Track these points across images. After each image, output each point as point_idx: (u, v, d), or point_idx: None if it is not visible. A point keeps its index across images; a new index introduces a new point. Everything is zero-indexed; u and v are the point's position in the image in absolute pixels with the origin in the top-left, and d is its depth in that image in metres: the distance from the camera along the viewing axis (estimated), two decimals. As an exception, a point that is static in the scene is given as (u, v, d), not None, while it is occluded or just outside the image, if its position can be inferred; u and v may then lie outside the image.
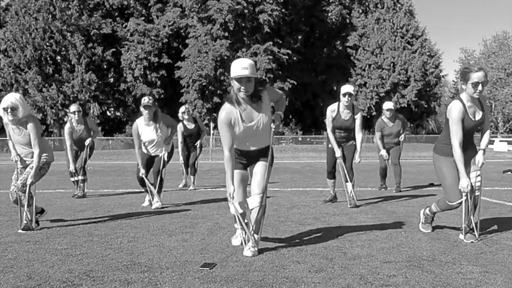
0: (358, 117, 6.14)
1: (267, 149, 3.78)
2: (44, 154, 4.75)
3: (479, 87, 3.80)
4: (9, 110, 4.54)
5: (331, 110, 6.15)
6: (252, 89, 3.55)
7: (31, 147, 4.72)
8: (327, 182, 6.57)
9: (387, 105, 8.06)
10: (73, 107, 7.49)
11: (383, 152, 7.91)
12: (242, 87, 3.49)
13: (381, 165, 8.19)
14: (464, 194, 3.92)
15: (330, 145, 6.25)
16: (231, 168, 3.63)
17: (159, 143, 6.29)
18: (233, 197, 3.62)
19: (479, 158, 4.02)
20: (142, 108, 6.13)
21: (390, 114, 7.94)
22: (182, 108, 8.56)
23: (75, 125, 7.44)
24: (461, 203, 3.97)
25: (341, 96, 6.06)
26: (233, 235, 4.05)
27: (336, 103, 6.18)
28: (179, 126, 8.34)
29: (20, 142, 4.73)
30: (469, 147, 4.04)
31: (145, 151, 6.31)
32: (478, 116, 3.96)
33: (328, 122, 6.18)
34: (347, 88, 6.05)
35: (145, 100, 6.14)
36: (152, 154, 6.34)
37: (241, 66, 3.46)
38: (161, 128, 6.28)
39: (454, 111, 3.87)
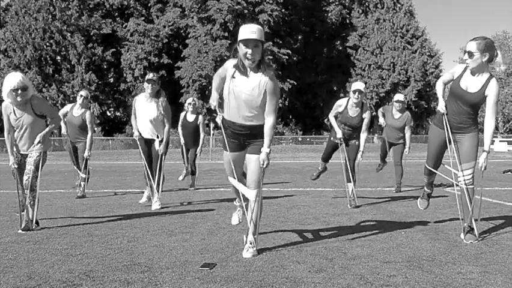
0: (366, 116, 6.07)
1: (256, 132, 3.60)
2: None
3: (465, 56, 3.82)
4: (19, 91, 4.34)
5: (338, 104, 6.18)
6: (258, 56, 3.42)
7: (33, 131, 4.61)
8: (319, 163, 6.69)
9: (397, 96, 8.00)
10: (83, 92, 7.53)
11: (381, 120, 7.96)
12: (249, 52, 3.36)
13: (381, 152, 8.14)
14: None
15: (332, 138, 6.26)
16: (217, 83, 3.67)
17: (156, 123, 6.07)
18: (218, 109, 3.61)
19: (481, 160, 3.97)
20: (145, 83, 6.02)
21: (399, 107, 7.86)
22: (189, 100, 8.65)
23: (76, 108, 7.42)
24: (431, 171, 4.37)
25: (351, 93, 6.02)
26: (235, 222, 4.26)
27: (346, 98, 6.16)
28: (181, 115, 8.53)
29: (23, 124, 4.55)
30: (459, 122, 4.03)
31: (141, 131, 6.15)
32: (472, 89, 3.91)
33: (333, 110, 6.22)
34: (357, 85, 6.01)
35: (150, 75, 6.09)
36: (145, 137, 6.16)
37: (249, 30, 3.36)
38: (162, 107, 6.04)
39: (453, 68, 4.11)
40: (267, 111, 3.56)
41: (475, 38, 3.83)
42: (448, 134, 4.06)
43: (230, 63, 3.58)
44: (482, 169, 3.95)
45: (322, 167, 6.63)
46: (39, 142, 4.61)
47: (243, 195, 3.79)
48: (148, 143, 6.22)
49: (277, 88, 3.59)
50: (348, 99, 6.09)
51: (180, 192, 8.09)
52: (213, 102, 3.62)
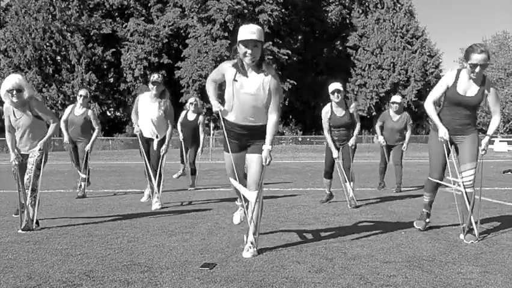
0: (353, 110, 6.16)
1: (259, 132, 3.64)
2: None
3: (477, 69, 3.84)
4: (14, 92, 4.41)
5: (325, 112, 6.23)
6: (258, 56, 3.46)
7: (32, 132, 4.64)
8: (323, 181, 6.55)
9: (393, 98, 8.11)
10: (82, 91, 7.54)
11: (381, 138, 7.97)
12: (248, 52, 3.41)
13: (381, 163, 8.20)
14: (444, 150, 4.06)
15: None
16: (212, 89, 3.73)
17: (157, 123, 6.12)
18: (221, 110, 3.62)
19: (483, 142, 4.08)
20: (150, 85, 6.09)
21: (396, 108, 7.94)
22: (191, 99, 8.68)
23: (77, 107, 7.43)
24: (438, 182, 4.24)
25: (331, 95, 6.09)
26: (235, 216, 4.25)
27: (329, 104, 6.23)
28: (182, 114, 8.55)
29: (22, 125, 4.60)
30: (459, 124, 4.05)
31: (142, 130, 6.17)
32: (471, 93, 3.97)
33: (324, 123, 6.23)
34: (334, 86, 6.08)
35: (155, 77, 6.13)
36: (145, 136, 6.18)
37: (249, 31, 3.40)
38: (166, 107, 6.11)
39: (444, 77, 4.11)
40: (270, 109, 3.62)
41: (483, 50, 3.82)
42: (448, 149, 4.10)
43: (226, 66, 3.61)
44: (483, 152, 4.05)
45: (328, 189, 6.45)
46: (40, 149, 4.64)
47: (244, 197, 3.80)
48: (148, 142, 6.25)
49: (280, 86, 3.68)
50: (331, 103, 6.15)
51: (180, 192, 8.09)
52: (218, 107, 3.61)
